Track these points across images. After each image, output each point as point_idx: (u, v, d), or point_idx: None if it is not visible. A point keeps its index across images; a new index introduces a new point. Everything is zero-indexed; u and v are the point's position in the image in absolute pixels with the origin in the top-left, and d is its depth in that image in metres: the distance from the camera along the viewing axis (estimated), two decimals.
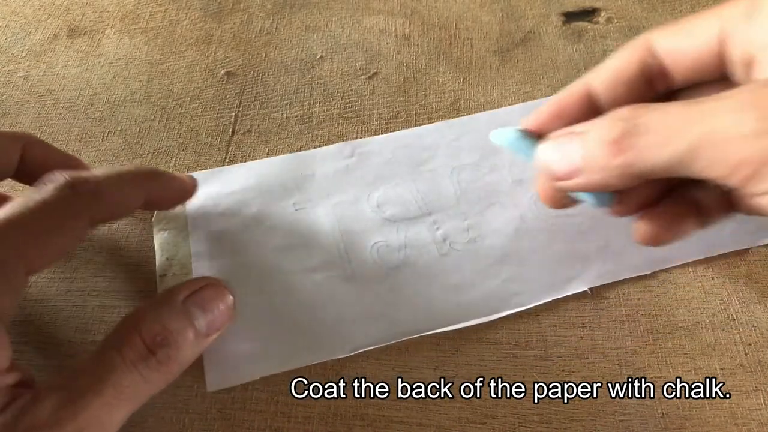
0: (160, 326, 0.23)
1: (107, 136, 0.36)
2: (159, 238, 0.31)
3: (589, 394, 0.26)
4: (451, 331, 0.28)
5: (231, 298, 0.26)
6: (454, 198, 0.31)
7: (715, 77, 0.23)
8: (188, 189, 0.30)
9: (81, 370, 0.22)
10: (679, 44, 0.24)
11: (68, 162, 0.30)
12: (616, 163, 0.21)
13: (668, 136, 0.20)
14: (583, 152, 0.22)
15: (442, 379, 0.27)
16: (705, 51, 0.23)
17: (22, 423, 0.20)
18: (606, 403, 0.26)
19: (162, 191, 0.28)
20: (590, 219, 0.30)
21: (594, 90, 0.25)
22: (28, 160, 0.28)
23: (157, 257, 0.30)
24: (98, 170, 0.26)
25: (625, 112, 0.21)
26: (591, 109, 0.25)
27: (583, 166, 0.22)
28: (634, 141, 0.20)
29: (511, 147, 0.26)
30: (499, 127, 0.33)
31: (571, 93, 0.25)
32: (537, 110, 0.26)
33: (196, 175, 0.33)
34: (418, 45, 0.39)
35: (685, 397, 0.26)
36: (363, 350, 0.27)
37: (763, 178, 0.19)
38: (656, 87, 0.25)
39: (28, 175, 0.29)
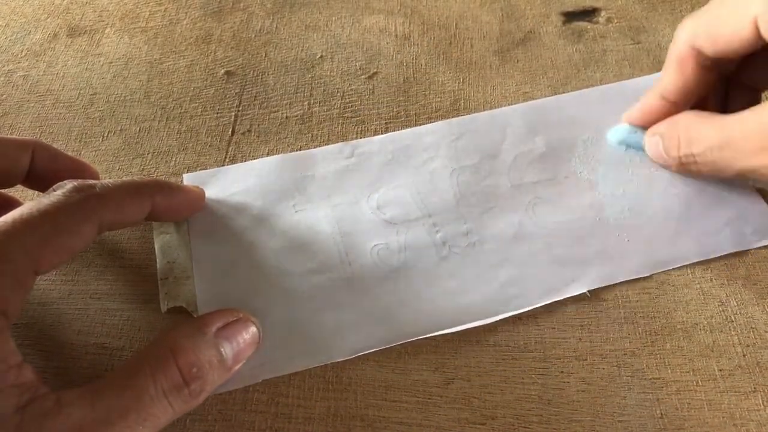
0: (196, 357, 0.24)
1: (107, 135, 0.36)
2: (160, 242, 0.31)
3: (588, 396, 0.26)
4: (450, 333, 0.28)
5: (255, 330, 0.27)
6: (454, 201, 0.31)
7: (758, 48, 0.26)
8: (194, 201, 0.30)
9: (109, 387, 0.22)
10: (720, 39, 0.27)
11: (77, 167, 0.30)
12: (683, 169, 0.30)
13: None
14: (663, 159, 0.31)
15: (442, 381, 0.27)
16: (745, 36, 0.26)
17: (43, 428, 0.21)
18: (605, 404, 0.26)
19: (168, 202, 0.28)
20: (588, 225, 0.30)
21: (669, 96, 0.30)
22: (38, 165, 0.29)
23: (158, 260, 0.30)
24: (106, 180, 0.26)
25: (681, 131, 0.29)
26: (668, 108, 0.30)
27: (665, 164, 0.31)
28: (690, 159, 0.28)
29: (625, 141, 0.33)
30: (499, 126, 0.34)
31: (650, 101, 0.31)
32: (633, 110, 0.32)
33: (197, 175, 0.33)
34: (418, 45, 0.39)
35: (684, 398, 0.26)
36: (363, 352, 0.27)
37: None
38: (711, 69, 0.29)
39: (37, 180, 0.29)
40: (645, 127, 0.32)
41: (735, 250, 0.29)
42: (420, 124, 0.35)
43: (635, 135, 0.32)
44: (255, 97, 0.37)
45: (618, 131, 0.33)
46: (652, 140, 0.31)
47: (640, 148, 0.32)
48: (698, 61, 0.28)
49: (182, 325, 0.25)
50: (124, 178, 0.27)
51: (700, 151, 0.27)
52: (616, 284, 0.29)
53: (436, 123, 0.34)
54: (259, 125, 0.36)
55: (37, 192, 0.31)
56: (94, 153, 0.35)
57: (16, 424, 0.21)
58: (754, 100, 0.31)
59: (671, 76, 0.29)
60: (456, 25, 0.40)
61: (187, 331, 0.25)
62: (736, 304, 0.28)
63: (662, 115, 0.30)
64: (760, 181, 0.27)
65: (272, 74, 0.38)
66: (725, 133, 0.26)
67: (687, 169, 0.29)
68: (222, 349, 0.25)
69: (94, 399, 0.22)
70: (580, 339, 0.28)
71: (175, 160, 0.34)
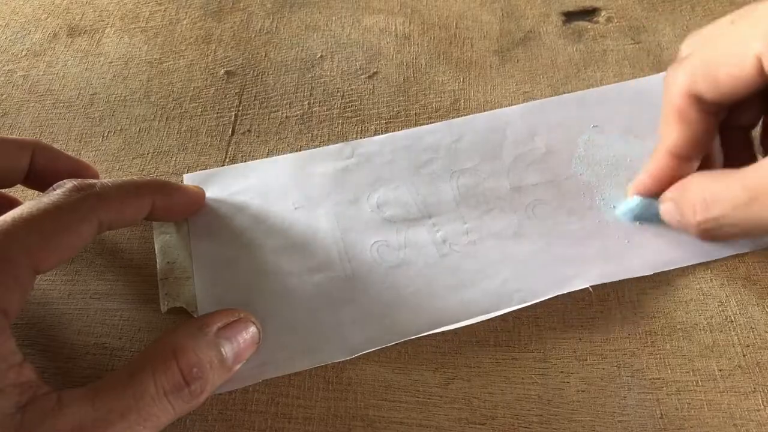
0: (197, 358, 0.24)
1: (107, 135, 0.36)
2: (160, 242, 0.31)
3: (588, 396, 0.26)
4: (450, 332, 0.28)
5: (255, 330, 0.27)
6: (454, 202, 0.31)
7: (760, 87, 0.25)
8: (194, 201, 0.30)
9: (110, 386, 0.22)
10: (722, 82, 0.25)
11: (77, 167, 0.30)
12: (708, 236, 0.27)
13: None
14: (682, 225, 0.28)
15: (442, 381, 0.27)
16: (748, 76, 0.24)
17: (44, 427, 0.21)
18: (605, 404, 0.26)
19: (167, 202, 0.29)
20: (588, 226, 0.30)
21: (678, 151, 0.28)
22: (38, 166, 0.29)
23: (158, 260, 0.30)
24: (106, 180, 0.26)
25: (696, 204, 0.26)
26: (679, 166, 0.28)
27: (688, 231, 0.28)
28: (713, 224, 0.26)
29: (639, 217, 0.30)
30: (499, 126, 0.33)
31: (658, 162, 0.29)
32: (639, 179, 0.30)
33: (197, 175, 0.33)
34: (418, 44, 0.39)
35: (684, 398, 0.26)
36: (363, 352, 0.27)
37: None
38: (714, 114, 0.27)
39: (37, 181, 0.29)
40: (656, 194, 0.29)
41: (736, 253, 0.29)
42: (420, 124, 0.35)
43: (650, 207, 0.30)
44: (255, 97, 0.37)
45: (628, 206, 0.30)
46: (667, 207, 0.28)
47: (657, 220, 0.30)
48: (700, 107, 0.26)
49: (183, 325, 0.25)
50: (124, 178, 0.27)
51: (725, 213, 0.25)
52: (616, 284, 0.29)
53: (436, 123, 0.34)
54: (259, 125, 0.36)
55: (37, 192, 0.31)
56: (94, 153, 0.35)
57: (17, 424, 0.21)
58: (747, 141, 0.30)
59: (676, 130, 0.27)
60: (456, 24, 0.40)
61: (188, 331, 0.25)
62: (736, 304, 0.28)
63: (674, 174, 0.28)
64: None
65: (272, 74, 0.38)
66: (751, 187, 0.24)
67: (712, 236, 0.27)
68: (223, 349, 0.25)
69: (95, 399, 0.22)
70: (580, 339, 0.28)
71: (175, 160, 0.34)
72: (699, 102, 0.26)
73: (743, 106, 0.28)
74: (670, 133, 0.28)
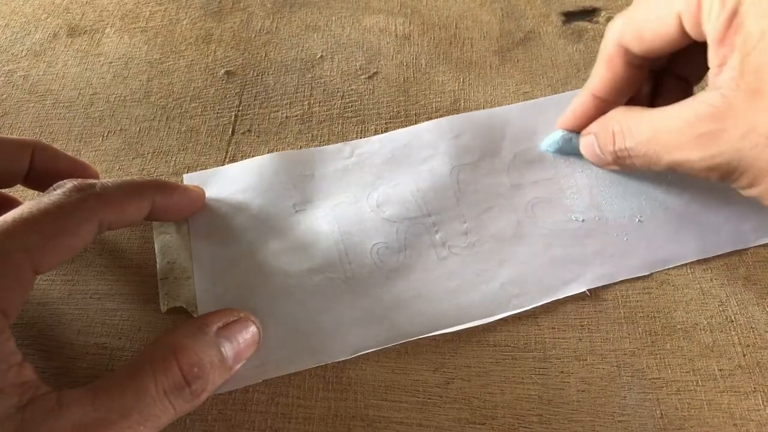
0: (197, 357, 0.24)
1: (107, 135, 0.36)
2: (160, 242, 0.31)
3: (588, 396, 0.26)
4: (450, 333, 0.28)
5: (255, 330, 0.27)
6: (454, 198, 0.31)
7: (684, 44, 0.26)
8: (194, 201, 0.30)
9: (110, 386, 0.22)
10: (646, 37, 0.26)
11: (77, 167, 0.30)
12: (620, 164, 0.29)
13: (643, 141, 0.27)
14: (599, 157, 0.30)
15: (442, 381, 0.27)
16: (670, 33, 0.25)
17: (44, 427, 0.21)
18: (605, 404, 0.26)
19: (167, 202, 0.29)
20: (587, 224, 0.30)
21: (599, 94, 0.30)
22: (38, 165, 0.29)
23: (158, 260, 0.30)
24: (106, 180, 0.27)
25: (615, 124, 0.29)
26: (600, 106, 0.30)
27: (602, 162, 0.31)
28: (625, 153, 0.28)
29: (560, 149, 0.32)
30: (498, 125, 0.34)
31: (582, 101, 0.31)
32: (565, 115, 0.32)
33: (197, 175, 0.33)
34: (418, 44, 0.39)
35: (684, 398, 0.26)
36: (363, 352, 0.27)
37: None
38: (640, 66, 0.29)
39: (37, 180, 0.29)
40: (578, 130, 0.31)
41: (735, 249, 0.29)
42: None
43: (569, 140, 0.32)
44: (255, 97, 0.37)
45: (552, 139, 0.32)
46: (586, 140, 0.31)
47: (576, 153, 0.32)
48: (627, 59, 0.28)
49: (183, 325, 0.25)
50: (124, 178, 0.27)
51: (633, 145, 0.27)
52: (616, 284, 0.29)
53: (435, 120, 0.34)
54: (259, 125, 0.36)
55: (37, 192, 0.31)
56: (94, 153, 0.35)
57: (17, 424, 0.21)
58: (687, 92, 0.31)
59: (601, 74, 0.29)
60: (456, 25, 0.40)
61: (189, 330, 0.25)
62: (736, 303, 0.28)
63: (595, 114, 0.30)
64: (689, 175, 0.27)
65: (272, 74, 0.38)
66: (653, 127, 0.26)
67: (623, 164, 0.29)
68: (223, 349, 0.25)
69: (95, 399, 0.22)
70: (580, 339, 0.28)
71: (175, 160, 0.34)
72: (626, 54, 0.28)
73: (688, 60, 0.29)
74: (596, 75, 0.30)
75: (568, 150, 0.32)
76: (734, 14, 0.22)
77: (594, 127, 0.30)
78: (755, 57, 0.22)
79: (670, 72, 0.31)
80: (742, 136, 0.23)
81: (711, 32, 0.23)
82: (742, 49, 0.22)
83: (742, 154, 0.23)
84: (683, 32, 0.25)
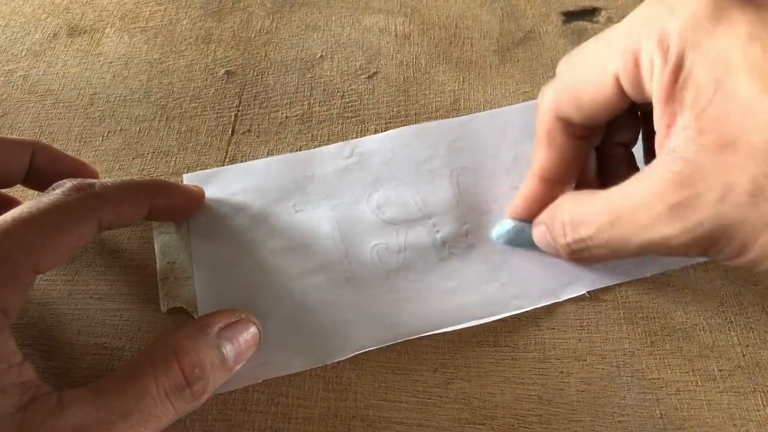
0: (198, 358, 0.24)
1: (107, 135, 0.36)
2: (160, 242, 0.31)
3: (588, 396, 0.26)
4: (450, 333, 0.28)
5: (256, 330, 0.27)
6: (454, 200, 0.31)
7: (624, 107, 0.24)
8: (194, 201, 0.30)
9: (111, 387, 0.22)
10: (585, 104, 0.25)
11: (77, 167, 0.30)
12: (576, 257, 0.27)
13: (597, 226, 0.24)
14: (556, 250, 0.28)
15: (442, 381, 0.27)
16: (609, 96, 0.24)
17: (44, 427, 0.21)
18: (605, 404, 0.26)
19: (167, 202, 0.29)
20: None
21: (547, 175, 0.28)
22: (38, 165, 0.29)
23: (158, 261, 0.30)
24: (106, 179, 0.27)
25: (546, 216, 0.27)
26: (551, 189, 0.28)
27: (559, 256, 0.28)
28: (582, 244, 0.25)
29: (512, 241, 0.30)
30: (499, 126, 0.34)
31: (529, 185, 0.28)
32: (513, 202, 0.29)
33: (197, 175, 0.33)
34: (418, 44, 0.39)
35: (684, 398, 0.26)
36: (363, 351, 0.27)
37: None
38: (583, 137, 0.27)
39: (37, 180, 0.29)
40: (530, 219, 0.29)
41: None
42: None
43: (521, 231, 0.29)
44: (255, 97, 0.37)
45: (503, 229, 0.30)
46: (538, 230, 0.28)
47: (531, 245, 0.29)
48: (568, 131, 0.26)
49: (184, 326, 0.25)
50: (124, 178, 0.27)
51: (592, 233, 0.24)
52: (615, 285, 0.29)
53: (435, 122, 0.34)
54: (259, 125, 0.36)
55: (37, 192, 0.31)
56: (94, 153, 0.35)
57: (18, 424, 0.21)
58: (629, 158, 0.28)
59: (543, 153, 0.27)
60: (456, 24, 0.40)
61: (189, 331, 0.25)
62: (735, 304, 0.28)
63: (546, 199, 0.28)
64: (668, 257, 0.24)
65: (272, 74, 0.38)
66: (613, 209, 0.23)
67: (581, 257, 0.26)
68: (224, 350, 0.25)
69: (95, 399, 0.22)
70: (579, 339, 0.28)
71: (175, 160, 0.34)
72: (567, 125, 0.26)
73: (620, 124, 0.27)
74: (538, 155, 0.27)
75: (521, 242, 0.29)
76: (679, 67, 0.20)
77: (544, 216, 0.28)
78: (714, 110, 0.20)
79: (610, 141, 0.28)
80: (719, 198, 0.20)
81: (655, 91, 0.21)
82: (695, 104, 0.20)
83: (725, 219, 0.20)
84: (623, 94, 0.23)
